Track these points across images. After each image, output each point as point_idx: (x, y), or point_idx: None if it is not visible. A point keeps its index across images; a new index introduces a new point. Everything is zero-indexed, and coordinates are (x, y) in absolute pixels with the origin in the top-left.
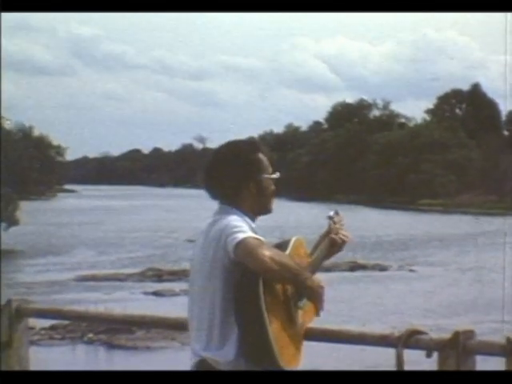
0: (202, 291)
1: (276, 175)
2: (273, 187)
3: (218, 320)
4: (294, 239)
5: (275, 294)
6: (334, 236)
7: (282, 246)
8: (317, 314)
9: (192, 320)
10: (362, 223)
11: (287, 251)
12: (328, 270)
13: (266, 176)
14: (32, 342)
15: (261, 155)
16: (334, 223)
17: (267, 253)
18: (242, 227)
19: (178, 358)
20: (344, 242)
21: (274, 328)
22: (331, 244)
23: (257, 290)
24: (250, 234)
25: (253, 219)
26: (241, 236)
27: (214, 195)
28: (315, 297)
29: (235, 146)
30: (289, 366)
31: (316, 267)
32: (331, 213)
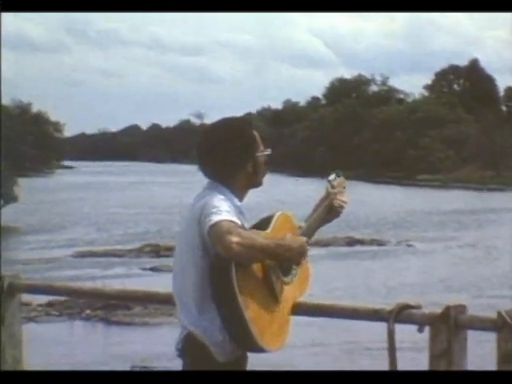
0: (184, 265)
1: (268, 151)
2: (266, 163)
3: (200, 298)
4: (277, 214)
5: (252, 274)
6: (331, 201)
7: (264, 222)
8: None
9: (176, 293)
10: (360, 199)
11: (269, 228)
12: (325, 244)
13: (261, 154)
14: (29, 319)
15: (255, 132)
16: (333, 187)
17: (235, 239)
18: (220, 207)
19: (176, 334)
20: (342, 207)
21: (251, 311)
22: (328, 209)
23: (229, 275)
24: (225, 216)
25: (241, 197)
26: (215, 219)
27: (209, 173)
28: (300, 260)
29: (232, 125)
30: (271, 346)
31: (311, 232)
32: (331, 176)
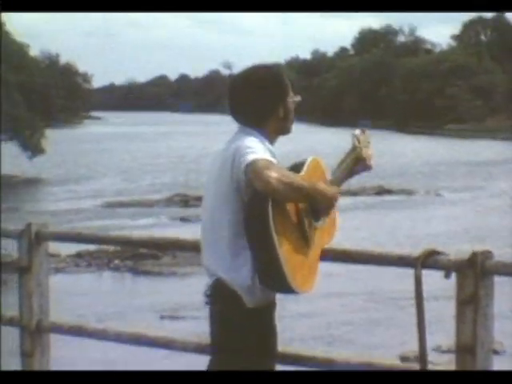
0: (216, 212)
1: (298, 98)
2: (294, 110)
3: (234, 242)
4: (310, 159)
5: (287, 215)
6: (357, 154)
7: (297, 166)
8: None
9: (205, 239)
10: (389, 148)
11: (302, 172)
12: (354, 194)
13: (292, 99)
14: (57, 270)
15: (286, 78)
16: (359, 142)
17: (274, 174)
18: (255, 148)
19: (204, 284)
20: (369, 159)
21: (284, 250)
22: (355, 161)
23: (265, 213)
24: (261, 155)
25: (272, 142)
26: (251, 157)
27: (241, 118)
28: (330, 208)
29: (264, 70)
30: (301, 288)
31: (339, 183)
32: (357, 131)
